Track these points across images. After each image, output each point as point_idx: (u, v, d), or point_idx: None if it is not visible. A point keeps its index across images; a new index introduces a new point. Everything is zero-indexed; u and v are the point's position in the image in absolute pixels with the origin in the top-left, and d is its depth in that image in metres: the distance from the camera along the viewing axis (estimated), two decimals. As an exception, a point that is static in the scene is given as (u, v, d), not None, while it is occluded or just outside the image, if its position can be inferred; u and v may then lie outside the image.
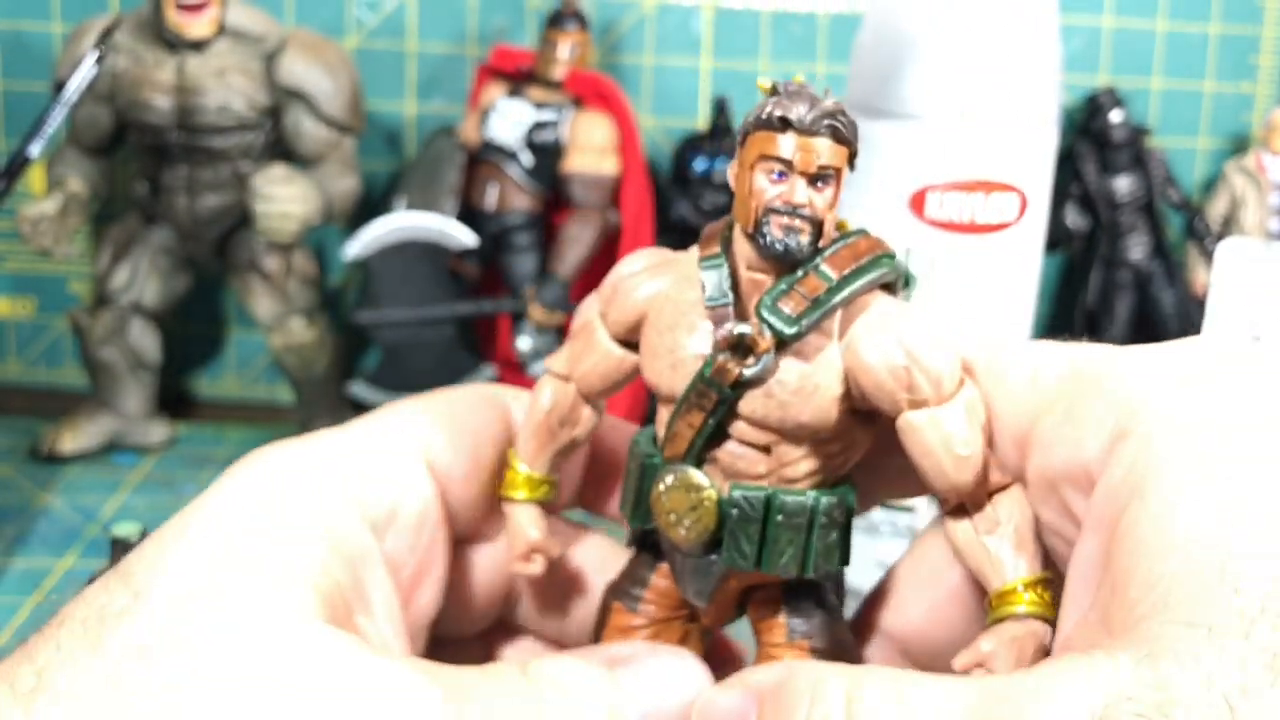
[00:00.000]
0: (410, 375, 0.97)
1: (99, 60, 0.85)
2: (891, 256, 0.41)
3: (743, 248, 0.40)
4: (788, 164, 0.38)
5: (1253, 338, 0.68)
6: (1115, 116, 1.02)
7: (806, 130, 0.38)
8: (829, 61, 1.05)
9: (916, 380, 0.38)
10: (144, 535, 0.51)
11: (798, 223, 0.38)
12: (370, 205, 1.01)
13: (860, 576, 0.80)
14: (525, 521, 0.45)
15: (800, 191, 0.38)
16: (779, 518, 0.40)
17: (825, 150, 0.38)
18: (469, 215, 0.97)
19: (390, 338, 0.96)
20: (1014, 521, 0.40)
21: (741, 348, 0.39)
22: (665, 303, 0.41)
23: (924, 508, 0.72)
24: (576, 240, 0.94)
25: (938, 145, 0.74)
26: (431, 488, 0.42)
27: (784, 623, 0.43)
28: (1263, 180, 1.02)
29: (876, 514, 0.79)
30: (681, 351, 0.40)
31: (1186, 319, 1.02)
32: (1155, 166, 1.03)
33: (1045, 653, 0.38)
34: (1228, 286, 0.68)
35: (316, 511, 0.38)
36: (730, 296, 0.40)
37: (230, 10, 0.90)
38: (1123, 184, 1.02)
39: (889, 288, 0.41)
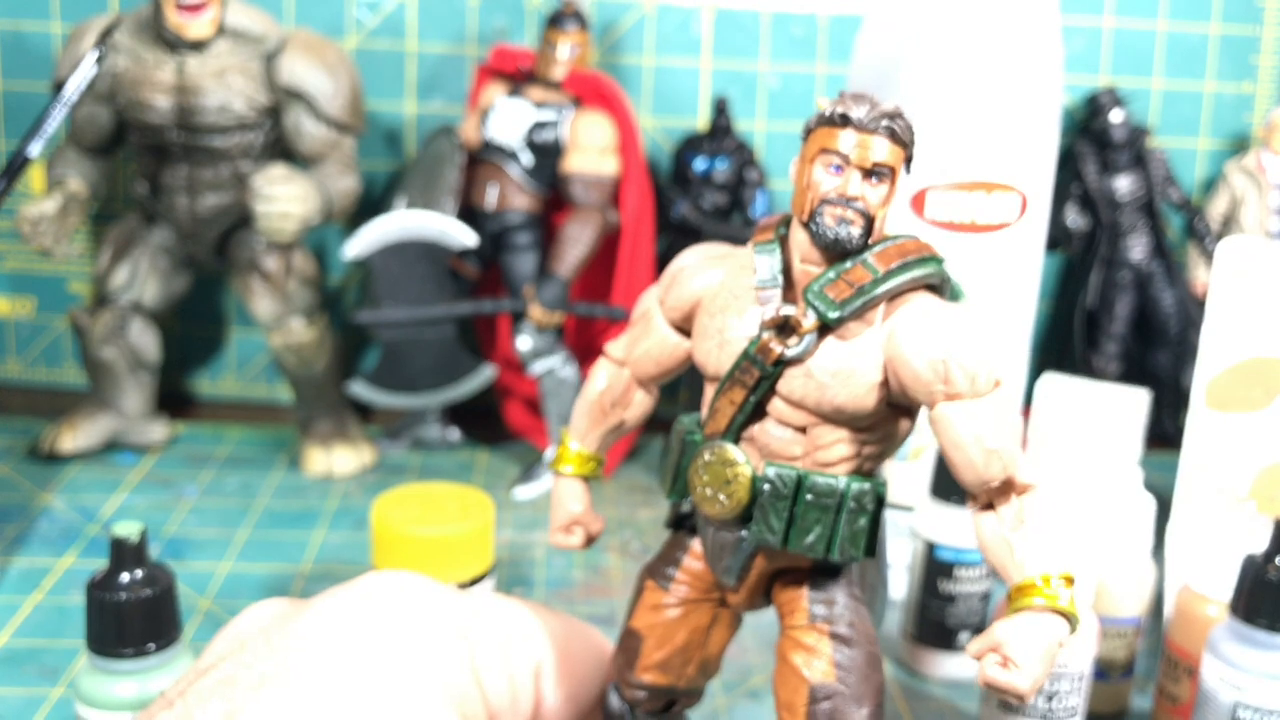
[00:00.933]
0: (410, 375, 0.97)
1: (99, 60, 0.85)
2: (939, 260, 0.43)
3: (798, 238, 0.42)
4: (845, 158, 0.40)
5: (1251, 338, 0.68)
6: (1115, 116, 1.02)
7: (865, 128, 0.40)
8: (829, 61, 1.05)
9: (953, 374, 0.40)
10: (144, 535, 0.51)
11: (850, 214, 0.40)
12: (370, 205, 1.01)
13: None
14: (569, 495, 0.49)
15: (855, 184, 0.40)
16: (808, 497, 0.42)
17: (881, 148, 0.40)
18: (469, 215, 0.97)
19: (390, 337, 0.96)
20: (1037, 520, 0.41)
21: (786, 328, 0.41)
22: (720, 289, 0.44)
23: (922, 507, 0.72)
24: (576, 240, 0.94)
25: (938, 145, 0.74)
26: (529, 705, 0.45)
27: (806, 606, 0.44)
28: (1263, 180, 1.02)
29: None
30: (730, 332, 0.43)
31: (1186, 319, 1.02)
32: (1155, 166, 1.03)
33: (1058, 645, 0.40)
34: (1228, 286, 0.68)
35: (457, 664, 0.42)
36: (780, 280, 0.42)
37: (230, 10, 0.90)
38: (1123, 184, 1.02)
39: (935, 290, 0.43)
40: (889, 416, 0.42)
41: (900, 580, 0.79)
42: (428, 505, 0.70)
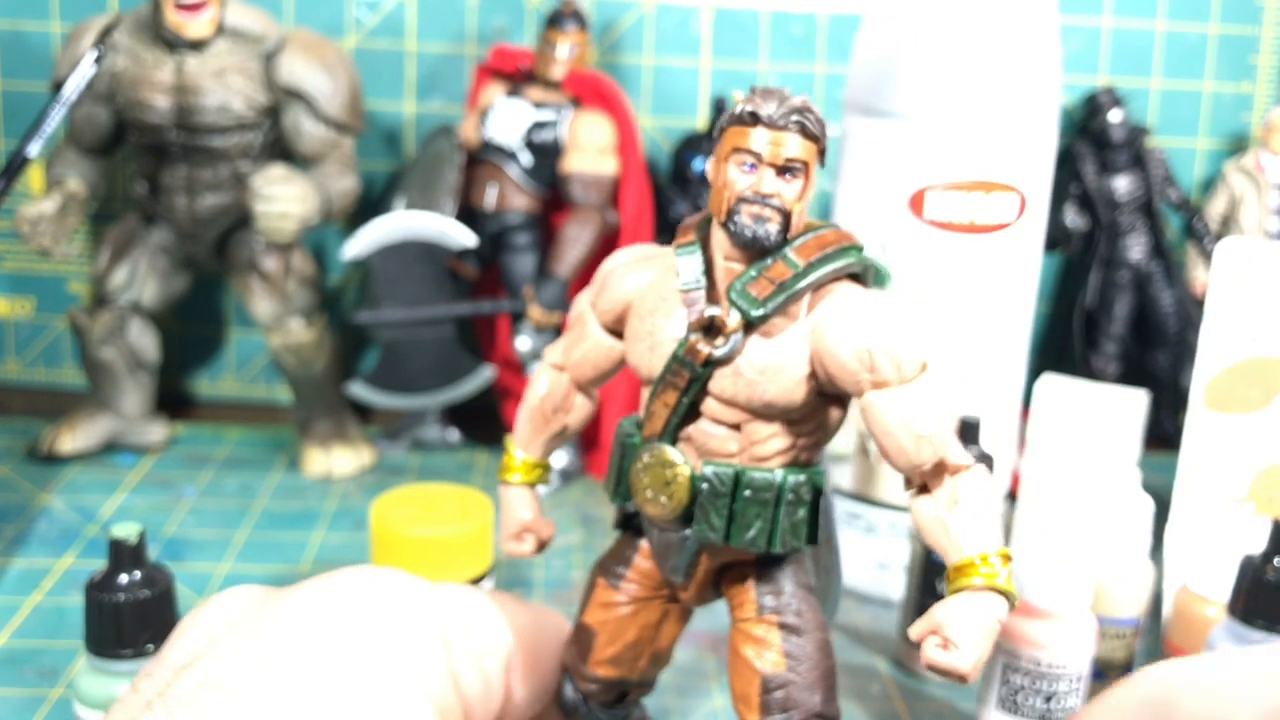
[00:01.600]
0: (409, 375, 0.97)
1: (98, 60, 0.85)
2: (859, 249, 0.43)
3: (719, 237, 0.43)
4: (758, 156, 0.41)
5: (1250, 338, 0.68)
6: (1114, 116, 1.02)
7: (775, 125, 0.41)
8: (829, 61, 1.05)
9: (878, 363, 0.41)
10: (143, 536, 0.51)
11: (767, 211, 0.41)
12: (369, 205, 1.01)
13: (860, 576, 0.81)
14: (518, 503, 0.49)
15: (769, 182, 0.41)
16: (746, 493, 0.43)
17: (793, 144, 0.41)
18: (468, 215, 0.97)
19: (389, 337, 0.96)
20: (972, 500, 0.42)
21: (711, 329, 0.42)
22: (648, 292, 0.44)
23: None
24: (575, 240, 0.94)
25: (938, 145, 0.74)
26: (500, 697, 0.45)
27: (754, 598, 0.45)
28: (1261, 180, 1.02)
29: (876, 514, 0.79)
30: (660, 335, 0.43)
31: (1185, 319, 1.02)
32: (1154, 166, 1.03)
33: (997, 623, 0.41)
34: (1227, 286, 0.68)
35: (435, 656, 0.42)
36: (704, 282, 0.43)
37: (229, 10, 0.90)
38: (1122, 184, 1.02)
39: (858, 278, 0.43)
40: (820, 407, 0.43)
41: (899, 580, 0.79)
42: (427, 506, 0.70)
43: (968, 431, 0.71)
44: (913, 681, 0.72)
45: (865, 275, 0.44)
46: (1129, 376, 1.03)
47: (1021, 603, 0.62)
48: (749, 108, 0.41)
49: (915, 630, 0.42)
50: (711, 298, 0.43)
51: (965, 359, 0.77)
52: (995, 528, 0.42)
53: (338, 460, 0.95)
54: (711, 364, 0.42)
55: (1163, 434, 1.00)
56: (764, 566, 0.45)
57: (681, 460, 0.43)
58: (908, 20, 0.75)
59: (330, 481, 0.94)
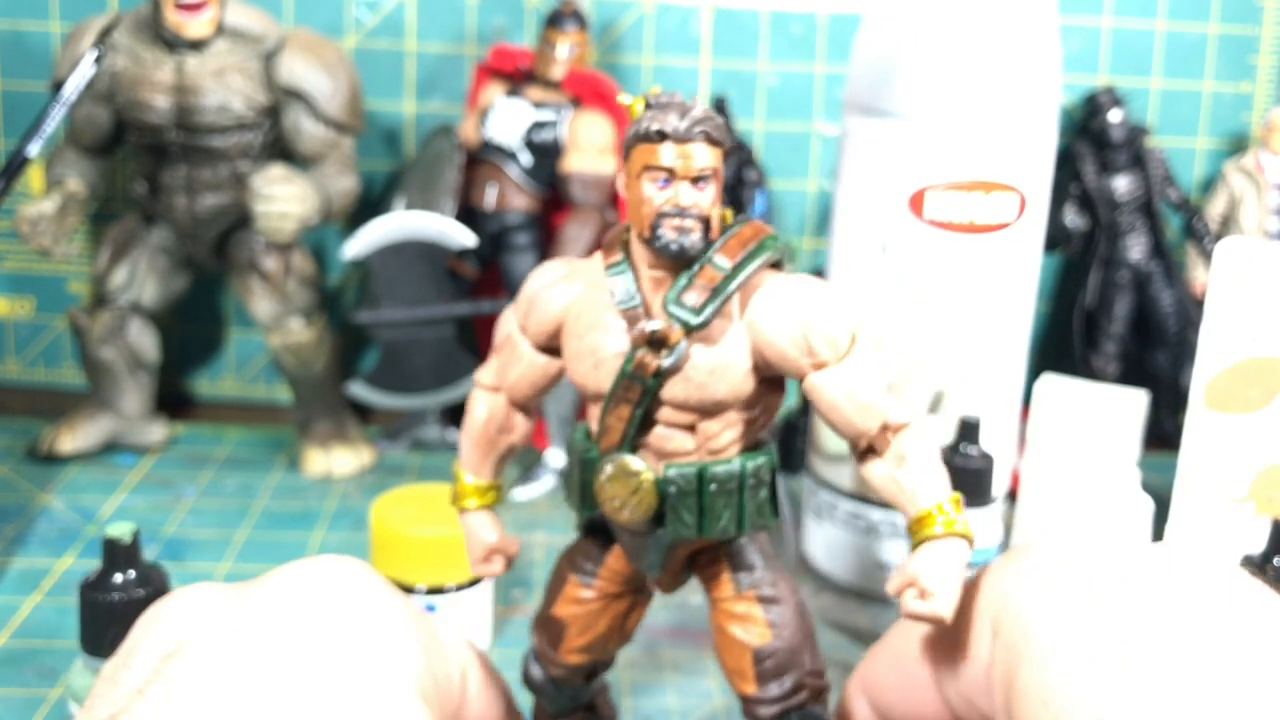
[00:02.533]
0: (409, 375, 0.97)
1: (98, 60, 0.85)
2: (775, 238, 0.45)
3: (640, 251, 0.44)
4: (670, 171, 0.42)
5: (1250, 338, 0.68)
6: (1114, 116, 1.02)
7: (682, 138, 0.42)
8: (828, 61, 1.05)
9: (815, 345, 0.43)
10: (137, 536, 0.51)
11: (688, 223, 0.42)
12: (369, 205, 1.01)
13: (861, 576, 0.81)
14: (481, 527, 0.50)
15: (685, 194, 0.42)
16: (712, 487, 0.45)
17: (702, 155, 0.42)
18: (468, 215, 0.97)
19: (389, 337, 0.96)
20: (919, 454, 0.44)
21: (655, 342, 0.43)
22: (581, 309, 0.45)
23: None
24: (575, 240, 0.94)
25: (937, 145, 0.74)
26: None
27: (730, 578, 0.48)
28: (1261, 180, 1.02)
29: (876, 514, 0.79)
30: (602, 352, 0.44)
31: (1185, 319, 1.02)
32: (1154, 166, 1.03)
33: (964, 566, 0.43)
34: (1227, 286, 0.68)
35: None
36: (638, 297, 0.44)
37: (229, 10, 0.90)
38: (1122, 184, 1.02)
39: (776, 265, 0.46)
40: (764, 393, 0.45)
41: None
42: (427, 506, 0.70)
43: (968, 431, 0.71)
44: (912, 682, 0.72)
45: (782, 261, 0.46)
46: (1129, 376, 1.03)
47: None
48: (654, 125, 0.42)
49: (892, 586, 0.44)
50: (647, 310, 0.44)
51: (965, 359, 0.77)
52: (943, 477, 0.44)
53: (338, 460, 0.95)
54: (661, 375, 0.43)
55: (1163, 434, 1.00)
56: (731, 546, 0.47)
57: (644, 467, 0.44)
58: (908, 20, 0.75)
59: (330, 481, 0.94)
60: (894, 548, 0.79)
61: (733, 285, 0.43)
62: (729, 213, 0.45)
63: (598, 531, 0.50)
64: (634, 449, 0.45)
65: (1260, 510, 0.70)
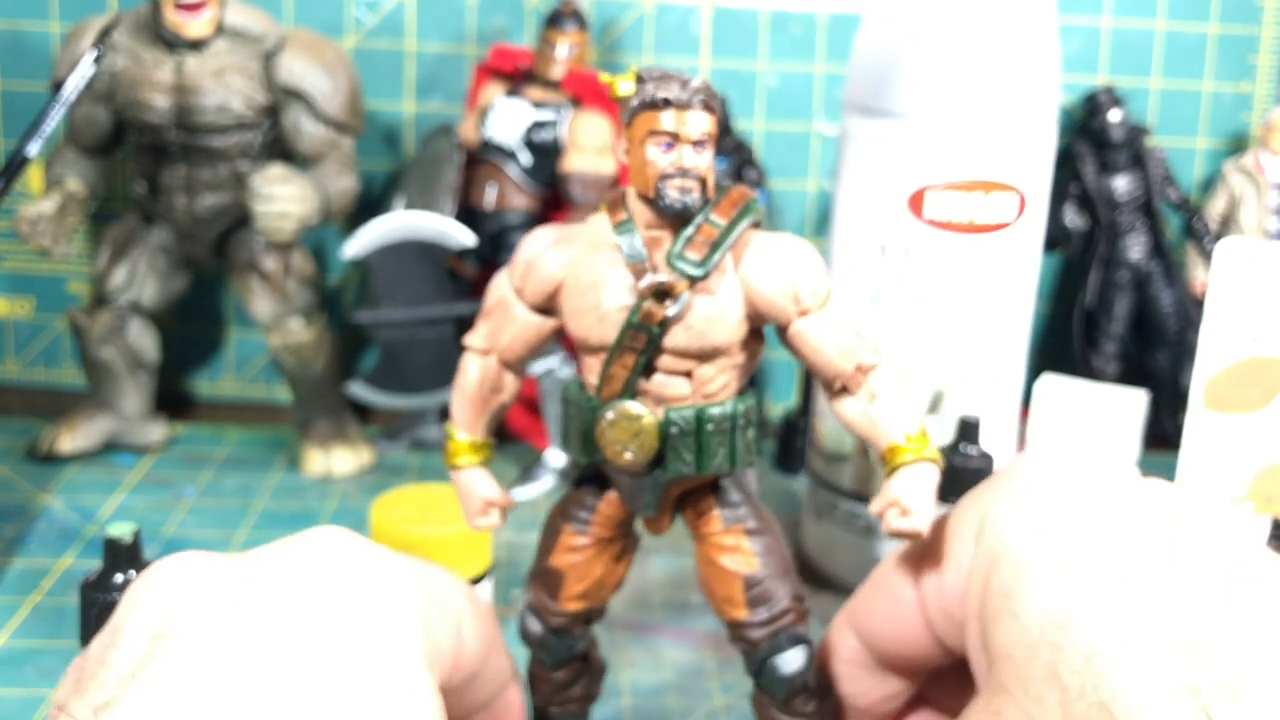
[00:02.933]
0: (409, 375, 0.97)
1: (97, 60, 0.85)
2: (756, 200, 0.50)
3: (640, 211, 0.49)
4: (674, 136, 0.46)
5: (1250, 338, 0.68)
6: (1114, 116, 1.02)
7: (684, 105, 0.46)
8: (828, 61, 1.05)
9: (802, 295, 0.48)
10: (138, 535, 0.51)
11: (689, 183, 0.47)
12: (369, 205, 1.01)
13: (861, 576, 0.81)
14: (475, 483, 0.54)
15: (688, 157, 0.47)
16: (709, 427, 0.49)
17: (701, 120, 0.47)
18: (468, 215, 0.97)
19: (389, 337, 0.96)
20: (887, 391, 0.49)
21: (660, 293, 0.47)
22: (580, 268, 0.49)
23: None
24: (575, 240, 0.94)
25: (937, 145, 0.74)
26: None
27: (718, 514, 0.52)
28: (1261, 180, 1.02)
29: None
30: (605, 306, 0.48)
31: (1185, 319, 1.02)
32: (1154, 166, 1.03)
33: (935, 486, 0.49)
34: (1227, 286, 0.68)
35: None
36: (645, 253, 0.48)
37: (229, 10, 0.90)
38: (1121, 183, 1.02)
39: (757, 225, 0.50)
40: (749, 341, 0.50)
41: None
42: (427, 506, 0.70)
43: (968, 431, 0.71)
44: (912, 681, 0.72)
45: (761, 221, 0.50)
46: (1129, 376, 1.03)
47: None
48: (659, 93, 0.46)
49: (875, 506, 0.49)
50: (651, 265, 0.48)
51: (965, 359, 0.77)
52: (910, 409, 0.50)
53: (337, 460, 0.95)
54: (665, 324, 0.48)
55: (1163, 434, 1.00)
56: (717, 485, 0.52)
57: (645, 411, 0.49)
58: (908, 20, 0.75)
59: (330, 481, 0.94)
60: (893, 548, 0.79)
61: (728, 241, 0.48)
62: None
63: (589, 481, 0.53)
64: (633, 396, 0.49)
65: (1260, 510, 0.70)
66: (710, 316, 0.48)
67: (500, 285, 0.52)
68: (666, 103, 0.46)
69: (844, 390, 0.50)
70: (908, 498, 0.48)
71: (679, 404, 0.49)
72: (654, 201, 0.47)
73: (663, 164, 0.47)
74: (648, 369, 0.49)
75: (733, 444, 0.50)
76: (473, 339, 0.53)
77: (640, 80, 0.47)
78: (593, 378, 0.50)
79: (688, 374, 0.49)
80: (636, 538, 0.55)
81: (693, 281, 0.47)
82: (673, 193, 0.47)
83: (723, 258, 0.48)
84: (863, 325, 0.49)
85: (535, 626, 0.55)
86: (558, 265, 0.50)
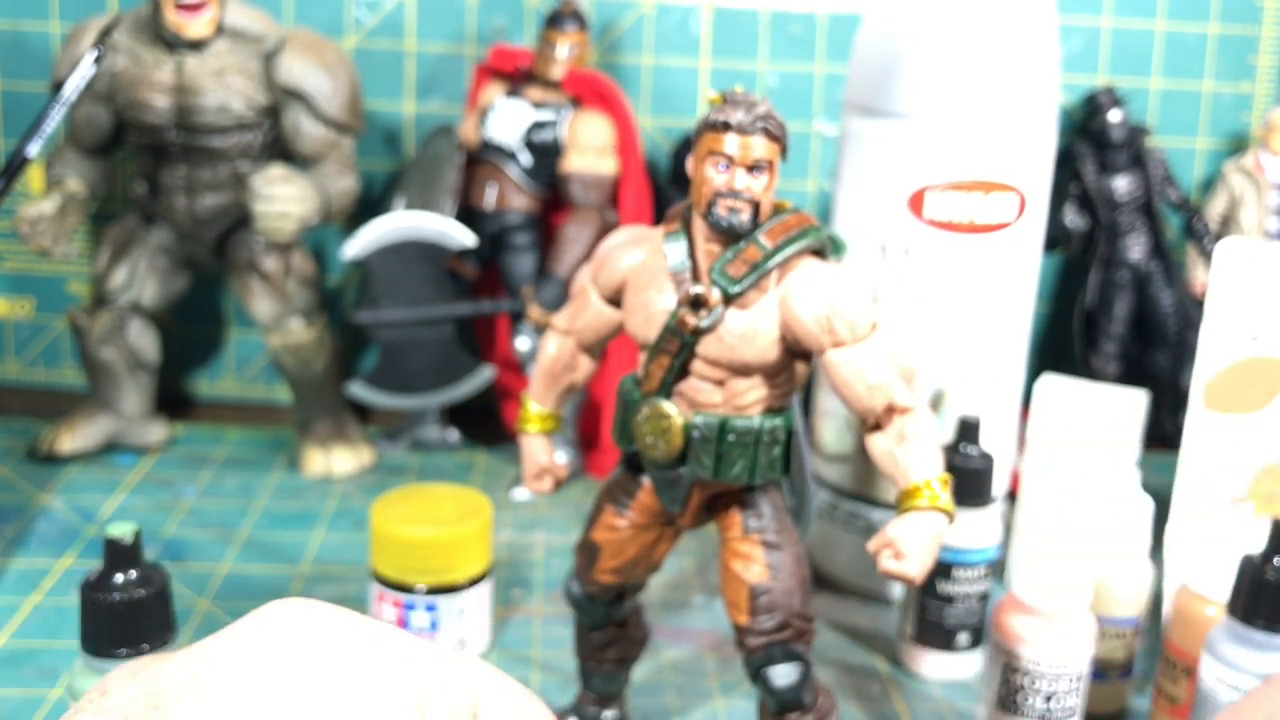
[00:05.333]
0: (409, 375, 0.97)
1: (97, 60, 0.85)
2: (818, 229, 0.51)
3: (700, 225, 0.51)
4: (730, 158, 0.49)
5: (1250, 338, 0.68)
6: (1114, 116, 1.02)
7: (745, 130, 0.48)
8: (828, 61, 1.05)
9: (835, 325, 0.50)
10: (138, 536, 0.51)
11: (739, 204, 0.49)
12: (369, 205, 1.01)
13: (861, 576, 0.81)
14: (537, 449, 0.59)
15: (740, 179, 0.49)
16: (731, 437, 0.51)
17: (759, 146, 0.49)
18: (468, 215, 0.97)
19: (389, 337, 0.96)
20: (917, 435, 0.51)
21: (696, 303, 0.50)
22: (641, 270, 0.53)
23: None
24: (575, 240, 0.94)
25: (937, 145, 0.74)
26: None
27: (740, 520, 0.54)
28: (1261, 180, 1.02)
29: (876, 514, 0.79)
30: (653, 308, 0.52)
31: (1185, 319, 1.02)
32: (1154, 166, 1.03)
33: (940, 536, 0.49)
34: (1227, 286, 0.68)
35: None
36: (689, 263, 0.51)
37: (229, 10, 0.90)
38: (1121, 184, 1.02)
39: (820, 254, 0.52)
40: (790, 363, 0.52)
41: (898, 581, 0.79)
42: (426, 506, 0.70)
43: (968, 431, 0.71)
44: (914, 681, 0.72)
45: (824, 249, 0.51)
46: (1129, 376, 1.03)
47: (1022, 602, 0.62)
48: (721, 117, 0.49)
49: (872, 545, 0.50)
50: (696, 277, 0.51)
51: (965, 359, 0.77)
52: (937, 458, 0.51)
53: (337, 460, 0.95)
54: (698, 333, 0.50)
55: (1163, 434, 1.00)
56: (747, 494, 0.54)
57: (675, 412, 0.51)
58: (908, 20, 0.75)
59: (330, 481, 0.94)
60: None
61: (771, 263, 0.50)
62: (788, 203, 0.51)
63: (634, 468, 0.56)
64: (669, 395, 0.52)
65: (1260, 510, 0.70)
66: (743, 333, 0.50)
67: (584, 274, 0.56)
68: (727, 126, 0.48)
69: (876, 426, 0.52)
70: (904, 541, 0.49)
71: (709, 410, 0.51)
72: (705, 216, 0.50)
73: (717, 183, 0.49)
74: (683, 372, 0.51)
75: (754, 457, 0.52)
76: (558, 318, 0.57)
77: (723, 102, 0.49)
78: (641, 372, 0.53)
79: (720, 383, 0.51)
80: (678, 528, 0.57)
81: (729, 297, 0.50)
82: (722, 211, 0.49)
83: (762, 278, 0.50)
84: (905, 365, 0.50)
85: (575, 589, 0.59)
86: (625, 264, 0.53)
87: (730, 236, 0.50)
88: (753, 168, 0.49)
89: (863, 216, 0.77)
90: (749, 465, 0.52)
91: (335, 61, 0.93)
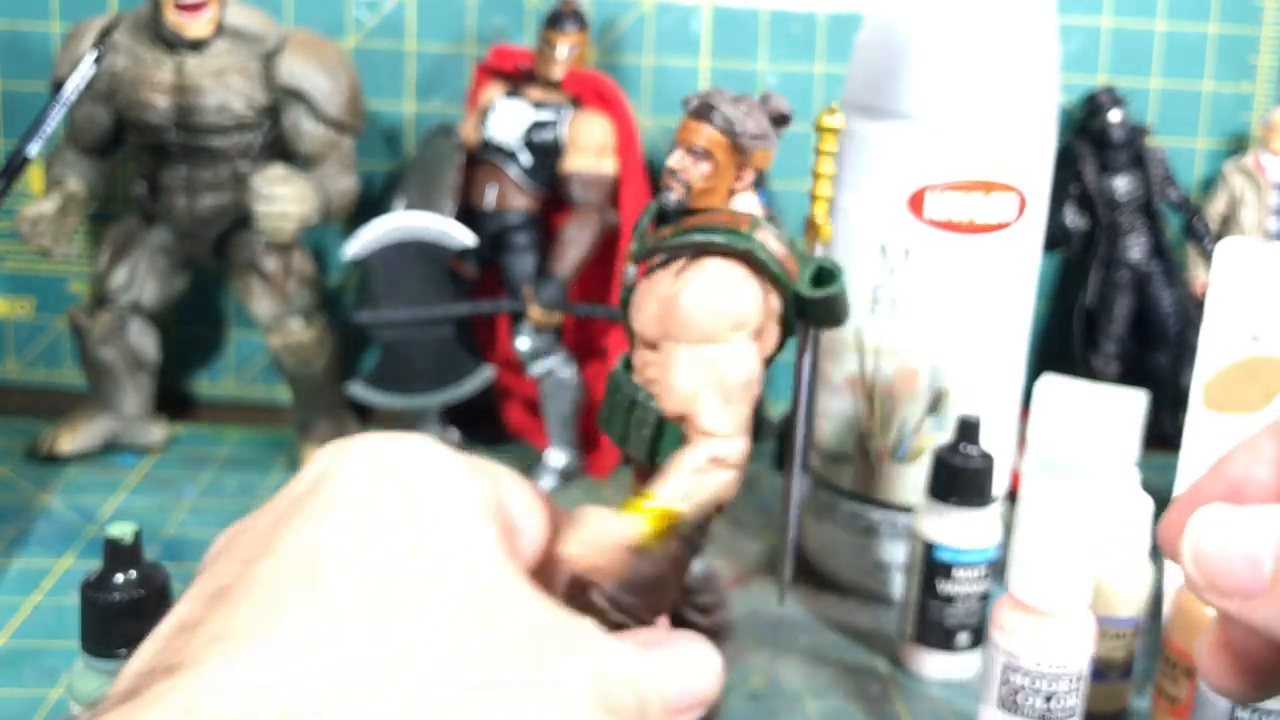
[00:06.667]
0: (409, 375, 0.97)
1: (97, 60, 0.85)
2: (746, 236, 0.49)
3: None
4: (680, 141, 0.49)
5: (1250, 338, 0.68)
6: (1114, 116, 1.02)
7: (695, 115, 0.49)
8: (828, 61, 1.05)
9: (670, 317, 0.48)
10: (138, 536, 0.51)
11: (673, 183, 0.49)
12: (369, 205, 1.01)
13: (861, 576, 0.81)
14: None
15: (678, 159, 0.49)
16: (636, 413, 0.50)
17: (704, 134, 0.49)
18: (468, 215, 0.96)
19: (389, 338, 0.96)
20: (686, 463, 0.47)
21: (628, 270, 0.51)
22: None
23: (921, 508, 0.72)
24: (575, 240, 0.94)
25: (937, 145, 0.74)
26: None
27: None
28: (1261, 180, 1.02)
29: (876, 514, 0.79)
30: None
31: (1185, 319, 1.02)
32: (1154, 166, 1.03)
33: (618, 545, 0.45)
34: (1227, 286, 0.68)
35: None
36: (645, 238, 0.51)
37: (229, 10, 0.90)
38: (1122, 184, 1.02)
39: (743, 258, 0.49)
40: None
41: (899, 580, 0.79)
42: (426, 506, 0.70)
43: (968, 431, 0.71)
44: (913, 682, 0.72)
45: (748, 257, 0.48)
46: (1129, 376, 1.03)
47: (1022, 602, 0.62)
48: (691, 103, 0.50)
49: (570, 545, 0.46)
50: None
51: (965, 359, 0.77)
52: (682, 487, 0.47)
53: (337, 460, 0.95)
54: (629, 294, 0.51)
55: (1163, 434, 1.00)
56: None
57: (625, 380, 0.50)
58: (908, 20, 0.75)
59: (330, 481, 0.94)
60: (894, 548, 0.79)
61: (668, 244, 0.49)
62: (747, 213, 0.49)
63: None
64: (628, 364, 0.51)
65: (1260, 510, 0.70)
66: (638, 302, 0.50)
67: None
68: (685, 110, 0.49)
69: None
70: (582, 523, 0.45)
71: (639, 380, 0.50)
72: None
73: (668, 161, 0.49)
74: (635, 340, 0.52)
75: (652, 439, 0.49)
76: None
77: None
78: None
79: (637, 350, 0.51)
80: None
81: (634, 260, 0.51)
82: (663, 188, 0.49)
83: (672, 258, 0.49)
84: (734, 395, 0.48)
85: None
86: None
87: (667, 213, 0.50)
88: (693, 151, 0.49)
89: (863, 216, 0.77)
90: (648, 447, 0.49)
91: (335, 61, 0.93)
